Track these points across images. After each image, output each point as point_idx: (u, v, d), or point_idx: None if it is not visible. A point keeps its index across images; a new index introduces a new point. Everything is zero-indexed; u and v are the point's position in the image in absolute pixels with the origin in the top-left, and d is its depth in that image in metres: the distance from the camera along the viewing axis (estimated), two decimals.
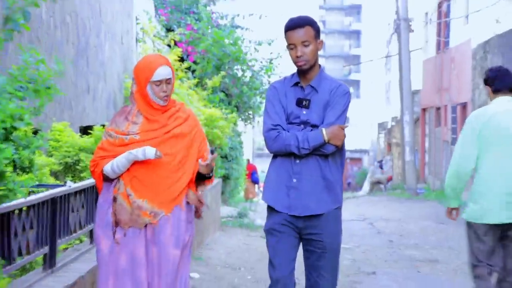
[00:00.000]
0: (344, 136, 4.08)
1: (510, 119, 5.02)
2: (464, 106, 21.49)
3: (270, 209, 4.19)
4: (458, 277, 8.44)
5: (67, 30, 7.97)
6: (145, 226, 3.95)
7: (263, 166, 40.63)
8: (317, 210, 4.07)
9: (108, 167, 3.94)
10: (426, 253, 10.12)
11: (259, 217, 14.09)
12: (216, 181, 12.14)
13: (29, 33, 6.35)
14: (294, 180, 4.09)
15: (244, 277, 8.02)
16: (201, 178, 4.12)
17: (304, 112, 4.10)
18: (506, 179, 4.94)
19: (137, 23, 12.43)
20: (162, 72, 3.95)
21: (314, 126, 4.08)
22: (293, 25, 4.07)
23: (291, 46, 4.08)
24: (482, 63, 19.05)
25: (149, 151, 3.89)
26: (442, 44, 24.65)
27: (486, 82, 5.27)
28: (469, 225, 5.05)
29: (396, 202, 20.81)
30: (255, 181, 23.38)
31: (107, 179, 3.99)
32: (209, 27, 15.06)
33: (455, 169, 5.08)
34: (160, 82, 3.95)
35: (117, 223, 3.94)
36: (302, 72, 4.13)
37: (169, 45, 13.90)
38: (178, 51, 12.54)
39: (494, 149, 5.00)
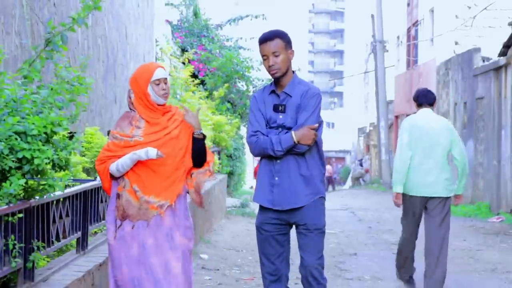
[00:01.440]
0: (314, 135, 3.88)
1: (428, 123, 5.92)
2: None
3: (260, 206, 4.07)
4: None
5: (99, 50, 7.94)
6: (152, 218, 3.75)
7: None
8: (298, 203, 3.94)
9: (113, 167, 3.75)
10: (399, 237, 10.08)
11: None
12: (222, 176, 12.10)
13: (67, 53, 6.33)
14: (276, 178, 3.95)
15: (246, 257, 7.99)
16: (197, 165, 3.86)
17: (281, 117, 3.95)
18: (422, 168, 5.86)
19: (156, 45, 12.41)
20: (160, 73, 3.79)
21: (290, 129, 3.93)
22: (263, 39, 3.93)
23: (264, 57, 3.95)
24: (444, 78, 19.02)
25: (151, 152, 3.72)
26: (411, 62, 24.62)
27: (414, 99, 6.08)
28: (404, 196, 5.95)
29: (373, 195, 20.77)
30: None
31: (112, 178, 3.81)
32: (218, 48, 15.05)
33: (397, 163, 5.87)
34: (159, 81, 3.78)
35: (123, 217, 3.75)
36: (277, 80, 3.97)
37: (183, 63, 13.88)
38: (191, 68, 12.51)
39: (420, 145, 5.89)
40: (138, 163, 3.75)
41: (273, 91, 4.01)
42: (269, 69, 3.94)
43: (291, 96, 3.96)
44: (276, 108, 3.96)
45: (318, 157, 4.01)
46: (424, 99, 6.01)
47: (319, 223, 3.97)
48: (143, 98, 3.79)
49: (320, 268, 3.97)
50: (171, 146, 3.79)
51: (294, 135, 3.87)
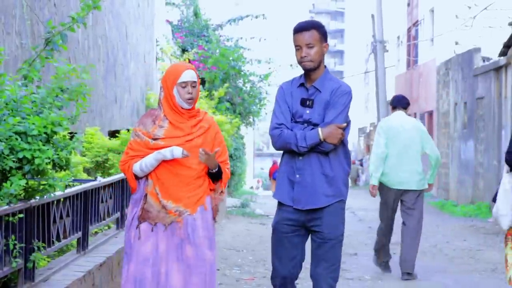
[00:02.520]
0: (342, 134, 3.69)
1: (401, 124, 6.75)
2: (430, 113, 21.46)
3: (278, 204, 3.86)
4: (427, 257, 8.40)
5: (99, 50, 7.94)
6: (170, 224, 3.64)
7: (262, 164, 40.61)
8: (318, 203, 3.72)
9: (137, 167, 3.65)
10: (399, 237, 10.06)
11: (259, 207, 14.04)
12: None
13: (67, 53, 6.32)
14: (298, 176, 3.74)
15: (246, 257, 7.98)
16: (213, 178, 3.75)
17: (308, 112, 3.74)
18: (398, 164, 6.71)
19: (157, 45, 12.41)
20: (187, 75, 3.63)
21: (316, 125, 3.72)
22: (299, 28, 3.74)
23: (297, 47, 3.75)
24: (444, 78, 19.00)
25: (177, 151, 3.58)
26: (412, 62, 24.61)
27: (390, 103, 6.95)
28: (382, 189, 6.80)
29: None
30: (275, 179, 23.86)
31: (136, 178, 3.70)
32: (217, 48, 15.07)
33: (374, 160, 6.67)
34: (185, 84, 3.62)
35: (144, 218, 3.65)
36: (307, 73, 3.78)
37: None
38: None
39: (395, 144, 6.69)
40: (161, 166, 3.63)
41: (302, 84, 3.81)
42: (300, 60, 3.74)
43: (320, 92, 3.76)
44: (303, 102, 3.76)
45: (344, 157, 3.81)
46: (399, 103, 6.89)
47: (336, 232, 3.77)
48: (169, 99, 3.66)
49: (332, 282, 3.72)
50: (192, 154, 3.63)
51: (321, 132, 3.67)
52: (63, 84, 4.05)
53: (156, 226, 3.64)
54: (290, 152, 3.77)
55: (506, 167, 5.01)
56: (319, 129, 3.68)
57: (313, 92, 3.77)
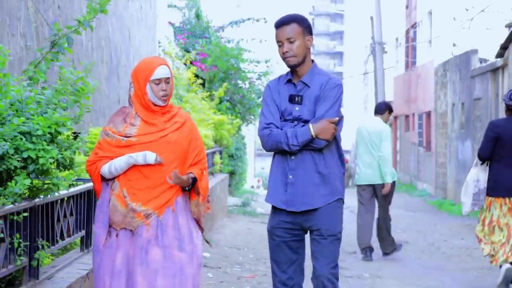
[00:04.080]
0: (334, 129, 3.44)
1: (370, 126, 7.76)
2: (428, 114, 21.45)
3: (272, 208, 3.61)
4: (425, 255, 8.41)
5: (102, 52, 7.94)
6: (137, 228, 3.35)
7: (262, 164, 40.61)
8: (313, 204, 3.49)
9: (105, 169, 3.37)
10: (398, 235, 10.08)
11: (260, 206, 14.04)
12: (224, 176, 12.10)
13: (71, 54, 6.33)
14: (290, 177, 3.50)
15: (247, 255, 7.98)
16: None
17: (297, 109, 3.50)
18: (367, 162, 7.66)
19: (159, 46, 12.42)
20: (161, 71, 3.38)
21: (306, 122, 3.47)
22: (279, 23, 3.50)
23: (278, 43, 3.50)
24: (442, 79, 19.00)
25: (150, 156, 3.33)
26: (410, 63, 24.61)
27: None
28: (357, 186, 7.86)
29: None
30: None
31: (103, 180, 3.43)
32: (217, 47, 15.08)
33: (352, 157, 8.80)
34: (159, 80, 3.37)
35: (110, 223, 3.37)
36: (294, 69, 3.52)
37: (185, 64, 13.90)
38: (194, 69, 12.53)
39: (363, 144, 7.74)
40: (131, 167, 3.37)
41: (289, 81, 3.56)
42: (283, 56, 3.49)
43: (309, 87, 3.51)
44: (292, 99, 3.51)
45: (338, 154, 3.57)
46: (376, 108, 7.89)
47: (335, 229, 3.54)
48: (140, 96, 3.41)
49: (333, 279, 3.53)
50: (167, 150, 3.38)
51: (312, 128, 3.43)
52: (67, 88, 4.06)
53: (121, 232, 3.35)
54: (281, 152, 3.53)
55: (474, 162, 6.08)
56: (310, 125, 3.44)
57: (302, 87, 3.53)
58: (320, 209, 3.51)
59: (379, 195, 7.69)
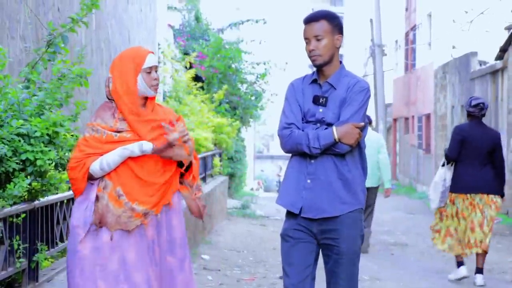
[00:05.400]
0: (359, 134, 3.22)
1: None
2: (428, 116, 21.47)
3: (287, 213, 3.35)
4: (425, 258, 8.40)
5: (102, 54, 7.94)
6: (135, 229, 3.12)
7: (262, 166, 40.63)
8: (333, 212, 3.22)
9: (96, 165, 3.07)
10: (398, 238, 10.08)
11: (259, 208, 14.03)
12: (224, 178, 12.10)
13: (70, 56, 6.33)
14: (308, 181, 3.25)
15: (247, 258, 7.97)
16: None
17: (321, 110, 3.28)
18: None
19: (159, 48, 12.42)
20: (152, 59, 3.15)
21: (330, 125, 3.25)
22: (308, 19, 3.31)
23: (306, 40, 3.31)
24: (442, 81, 19.01)
25: (147, 145, 3.10)
26: (410, 65, 24.62)
27: None
28: None
29: None
30: None
31: (90, 178, 3.11)
32: (216, 46, 15.07)
33: None
34: (150, 69, 3.14)
35: (100, 224, 3.08)
36: (320, 69, 3.33)
37: (185, 67, 13.90)
38: (193, 71, 12.53)
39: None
40: (122, 164, 3.11)
41: (314, 81, 3.36)
42: (309, 54, 3.30)
43: (335, 88, 3.30)
44: (316, 100, 3.30)
45: (360, 161, 3.34)
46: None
47: (355, 246, 3.24)
48: (125, 89, 3.11)
49: None
50: (162, 142, 3.15)
51: (336, 131, 3.20)
52: (60, 82, 4.03)
53: (116, 233, 3.09)
54: (300, 154, 3.29)
55: (441, 163, 6.66)
56: (334, 128, 3.22)
57: (328, 89, 3.32)
58: (339, 219, 3.23)
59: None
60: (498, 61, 13.39)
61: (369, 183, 8.20)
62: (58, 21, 6.23)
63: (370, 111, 36.21)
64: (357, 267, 3.26)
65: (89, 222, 3.08)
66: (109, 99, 3.19)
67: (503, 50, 12.94)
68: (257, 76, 15.65)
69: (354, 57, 48.32)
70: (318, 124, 3.28)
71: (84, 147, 3.11)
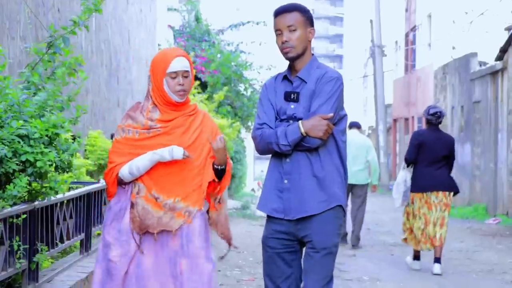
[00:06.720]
0: (327, 126, 3.08)
1: (354, 139, 8.99)
2: None
3: (267, 216, 3.27)
4: (424, 258, 8.39)
5: (102, 55, 7.94)
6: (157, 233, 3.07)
7: (262, 167, 40.64)
8: (309, 210, 3.14)
9: (125, 170, 3.04)
10: (398, 238, 10.07)
11: None
12: None
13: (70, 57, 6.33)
14: (286, 181, 3.17)
15: (247, 258, 7.97)
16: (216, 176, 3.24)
17: (292, 106, 3.16)
18: (352, 167, 8.81)
19: (159, 49, 12.42)
20: (178, 64, 3.08)
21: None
22: (280, 10, 3.18)
23: (277, 32, 3.17)
24: (442, 82, 19.01)
25: (177, 151, 3.03)
26: (409, 66, 24.63)
27: (349, 125, 8.86)
28: None
29: (371, 197, 20.69)
30: None
31: (120, 183, 3.09)
32: (219, 52, 15.10)
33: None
34: (176, 74, 3.07)
35: (141, 229, 3.05)
36: (291, 63, 3.20)
37: None
38: (193, 71, 12.56)
39: (349, 154, 8.43)
40: (154, 166, 3.07)
41: (285, 77, 3.24)
42: (281, 46, 3.16)
43: (306, 82, 3.18)
44: (287, 96, 3.17)
45: (337, 155, 3.21)
46: (354, 124, 9.29)
47: (328, 241, 3.15)
48: (158, 91, 3.11)
49: None
50: (193, 144, 3.11)
51: (301, 125, 3.08)
52: (60, 87, 4.04)
53: (145, 239, 3.08)
54: (277, 154, 3.21)
55: (402, 166, 7.35)
56: (300, 122, 3.10)
57: (299, 84, 3.19)
58: (315, 217, 3.15)
59: (354, 192, 9.12)
60: (498, 62, 13.39)
61: (357, 180, 9.01)
62: (58, 21, 6.24)
63: (370, 112, 36.25)
64: (330, 264, 3.17)
65: (124, 230, 3.06)
66: (147, 97, 3.17)
67: (503, 51, 12.94)
68: (261, 83, 15.65)
69: (354, 57, 48.28)
70: (291, 121, 3.16)
71: (113, 157, 3.10)
